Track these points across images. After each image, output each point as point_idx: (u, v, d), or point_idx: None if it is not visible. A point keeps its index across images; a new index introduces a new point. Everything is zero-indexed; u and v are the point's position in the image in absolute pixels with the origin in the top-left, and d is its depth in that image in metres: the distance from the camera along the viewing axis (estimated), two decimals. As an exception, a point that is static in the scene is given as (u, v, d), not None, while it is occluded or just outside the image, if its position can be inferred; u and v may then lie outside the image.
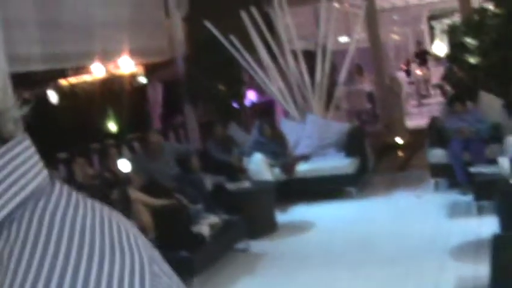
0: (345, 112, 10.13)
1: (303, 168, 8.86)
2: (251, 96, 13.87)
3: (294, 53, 9.65)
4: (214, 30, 9.42)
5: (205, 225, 6.55)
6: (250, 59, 9.59)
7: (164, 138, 10.14)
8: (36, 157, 0.71)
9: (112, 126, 14.04)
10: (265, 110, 10.49)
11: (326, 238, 7.12)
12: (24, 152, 0.69)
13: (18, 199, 0.66)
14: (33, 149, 0.71)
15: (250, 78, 10.30)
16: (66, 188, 0.72)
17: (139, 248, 0.67)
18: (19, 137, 0.69)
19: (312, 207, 8.37)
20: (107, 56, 9.54)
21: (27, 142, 0.70)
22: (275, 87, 9.77)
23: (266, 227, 7.56)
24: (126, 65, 10.47)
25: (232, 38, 9.36)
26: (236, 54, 9.50)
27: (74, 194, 0.71)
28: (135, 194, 7.26)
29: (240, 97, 11.08)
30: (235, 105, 11.36)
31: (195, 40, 10.16)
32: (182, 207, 6.85)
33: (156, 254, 0.71)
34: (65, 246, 0.62)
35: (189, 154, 8.45)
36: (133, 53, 9.82)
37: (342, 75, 9.71)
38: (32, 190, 0.68)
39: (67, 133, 12.79)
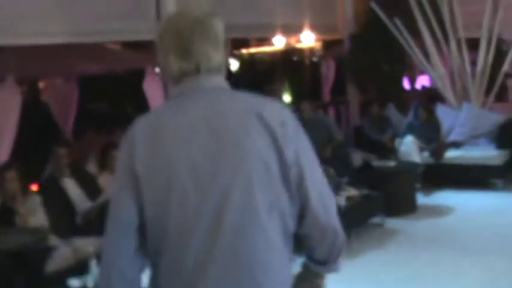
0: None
1: (452, 155, 8.89)
2: (423, 80, 13.86)
3: (458, 41, 9.53)
4: (379, 11, 9.57)
5: (343, 196, 6.86)
6: (413, 43, 9.63)
7: (327, 113, 10.60)
8: None
9: (285, 97, 14.63)
10: (435, 95, 10.47)
11: (461, 225, 7.13)
12: None
13: None
14: None
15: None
16: None
17: None
18: None
19: (455, 194, 8.39)
20: (287, 30, 10.00)
21: None
22: (436, 72, 9.79)
23: (405, 207, 7.73)
24: (306, 40, 10.93)
25: (397, 20, 9.42)
26: (399, 37, 9.57)
27: None
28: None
29: (408, 79, 11.15)
30: (404, 87, 11.51)
31: (361, 20, 10.36)
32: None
33: None
34: None
35: (334, 140, 8.77)
36: (311, 29, 10.24)
37: (506, 65, 9.42)
38: None
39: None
